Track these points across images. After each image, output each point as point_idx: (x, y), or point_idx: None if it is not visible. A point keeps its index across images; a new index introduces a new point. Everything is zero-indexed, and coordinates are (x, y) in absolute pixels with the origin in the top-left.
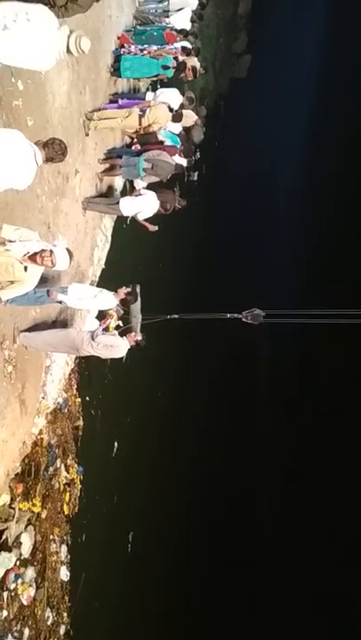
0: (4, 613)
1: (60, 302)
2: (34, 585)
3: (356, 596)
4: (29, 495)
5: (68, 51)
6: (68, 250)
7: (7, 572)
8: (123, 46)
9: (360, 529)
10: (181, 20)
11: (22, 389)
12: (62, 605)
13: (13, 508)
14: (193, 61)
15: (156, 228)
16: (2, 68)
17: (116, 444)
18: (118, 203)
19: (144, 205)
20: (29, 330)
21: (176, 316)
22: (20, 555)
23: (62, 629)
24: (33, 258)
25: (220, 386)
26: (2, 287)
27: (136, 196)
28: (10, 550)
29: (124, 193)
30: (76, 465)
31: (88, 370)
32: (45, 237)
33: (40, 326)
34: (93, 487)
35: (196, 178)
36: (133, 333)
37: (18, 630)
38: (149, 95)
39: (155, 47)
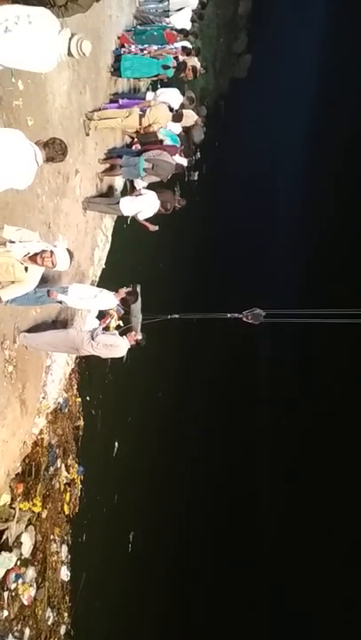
0: (5, 613)
1: (61, 302)
2: (34, 585)
3: (357, 596)
4: (30, 495)
5: (70, 53)
6: (68, 250)
7: (8, 571)
8: (123, 46)
9: (360, 529)
10: (182, 20)
11: (23, 389)
12: (63, 605)
13: (14, 508)
14: (193, 61)
15: (157, 227)
16: (3, 69)
17: (116, 443)
18: (119, 203)
19: (144, 205)
20: (30, 330)
21: (176, 315)
22: (21, 555)
23: (63, 629)
24: (33, 258)
25: (220, 386)
26: (2, 287)
27: (136, 195)
28: (10, 550)
29: (124, 193)
30: (76, 465)
31: (88, 370)
32: (46, 237)
33: (40, 326)
34: (94, 487)
35: (196, 178)
36: (133, 333)
37: (18, 630)
38: (150, 95)
39: (155, 47)
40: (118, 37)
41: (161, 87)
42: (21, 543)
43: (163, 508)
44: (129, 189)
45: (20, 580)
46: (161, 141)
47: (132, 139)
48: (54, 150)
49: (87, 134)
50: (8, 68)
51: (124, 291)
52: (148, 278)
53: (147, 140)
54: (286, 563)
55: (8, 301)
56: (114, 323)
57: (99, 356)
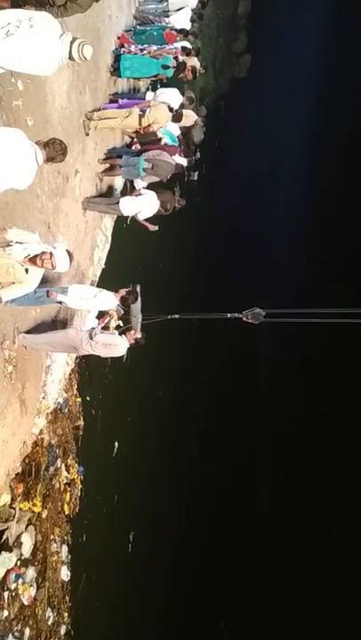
0: (5, 613)
1: (60, 303)
2: (34, 585)
3: (357, 596)
4: (30, 495)
5: (71, 57)
6: (68, 252)
7: (8, 571)
8: (123, 46)
9: (360, 529)
10: (181, 20)
11: (23, 389)
12: (63, 605)
13: (14, 508)
14: (193, 61)
15: (157, 227)
16: (5, 72)
17: (116, 443)
18: (118, 203)
19: (144, 205)
20: (29, 330)
21: (177, 315)
22: (21, 555)
23: (63, 629)
24: (33, 260)
25: (221, 386)
26: (2, 287)
27: (136, 195)
28: (10, 550)
29: (124, 193)
30: (76, 465)
31: (88, 370)
32: (45, 237)
33: (40, 326)
34: (94, 487)
35: (196, 178)
36: (133, 331)
37: (19, 630)
38: (149, 95)
39: (155, 47)
40: (118, 37)
41: (161, 87)
42: (21, 543)
43: (163, 508)
44: (129, 189)
45: (21, 580)
46: (160, 140)
47: (132, 139)
48: (54, 150)
49: (87, 134)
50: (9, 70)
51: (123, 291)
52: (148, 278)
53: (146, 139)
54: (286, 563)
55: (8, 301)
56: (114, 323)
57: (98, 355)
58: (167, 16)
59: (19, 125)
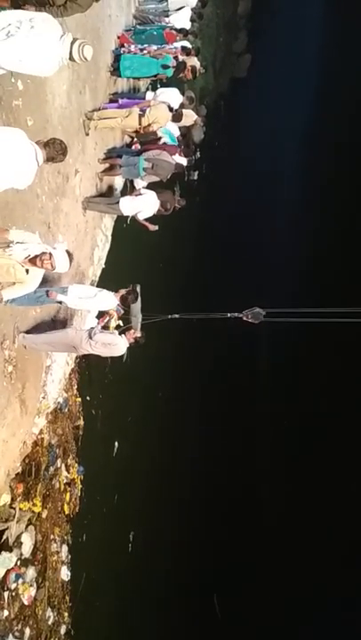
0: (5, 613)
1: (60, 302)
2: (34, 585)
3: (357, 596)
4: (30, 495)
5: (71, 58)
6: (67, 252)
7: (8, 571)
8: (122, 46)
9: (360, 529)
10: (181, 20)
11: (23, 389)
12: (63, 605)
13: (14, 508)
14: (193, 61)
15: (157, 227)
16: (5, 73)
17: (116, 443)
18: (118, 202)
19: (144, 205)
20: (29, 330)
21: (177, 315)
22: (21, 554)
23: (63, 629)
24: (33, 261)
25: (221, 385)
26: (2, 287)
27: (136, 195)
28: (10, 550)
29: (124, 192)
30: (76, 465)
31: (88, 369)
32: (45, 237)
33: (40, 326)
34: (94, 487)
35: (196, 177)
36: (132, 330)
37: (19, 630)
38: (149, 95)
39: (154, 47)
40: (118, 37)
41: (161, 87)
42: (21, 543)
43: (163, 508)
44: (129, 189)
45: (21, 580)
46: (159, 138)
47: (132, 138)
48: (54, 150)
49: (87, 134)
50: (9, 71)
51: (123, 290)
52: (148, 278)
53: (146, 139)
54: (286, 563)
55: (8, 301)
56: (114, 322)
57: (98, 355)
58: (167, 16)
59: (19, 125)
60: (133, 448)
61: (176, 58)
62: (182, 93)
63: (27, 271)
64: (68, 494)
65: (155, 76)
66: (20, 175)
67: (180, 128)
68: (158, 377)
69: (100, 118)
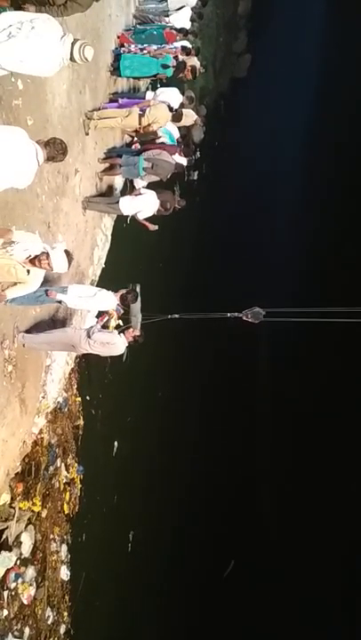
0: (5, 612)
1: (60, 302)
2: (34, 584)
3: (357, 597)
4: (30, 494)
5: (72, 59)
6: (67, 252)
7: (7, 571)
8: (122, 45)
9: (360, 529)
10: (181, 19)
11: (22, 389)
12: (62, 605)
13: (14, 508)
14: (193, 61)
15: (157, 227)
16: (6, 74)
17: (116, 443)
18: (118, 202)
19: (144, 205)
20: (29, 329)
21: (176, 315)
22: (21, 554)
23: (62, 628)
24: (33, 261)
25: (221, 385)
26: (2, 288)
27: (136, 195)
28: (10, 549)
29: (124, 192)
30: (76, 464)
31: (88, 369)
32: (45, 237)
33: (40, 325)
34: (93, 486)
35: (196, 177)
36: (131, 329)
37: (18, 629)
38: (149, 94)
39: (154, 46)
40: (118, 37)
41: (160, 87)
42: (21, 542)
43: (163, 508)
44: (129, 189)
45: (20, 580)
46: (159, 139)
47: (132, 138)
48: (55, 150)
49: (87, 134)
50: (10, 71)
51: (123, 290)
52: (148, 278)
53: (146, 139)
54: (286, 563)
55: (8, 301)
56: (113, 322)
57: (98, 354)
58: (167, 15)
59: (19, 125)
60: (133, 448)
61: (176, 58)
62: (182, 93)
63: (27, 271)
64: (68, 494)
65: (155, 75)
66: (21, 175)
67: (179, 128)
68: (158, 377)
69: (99, 118)
